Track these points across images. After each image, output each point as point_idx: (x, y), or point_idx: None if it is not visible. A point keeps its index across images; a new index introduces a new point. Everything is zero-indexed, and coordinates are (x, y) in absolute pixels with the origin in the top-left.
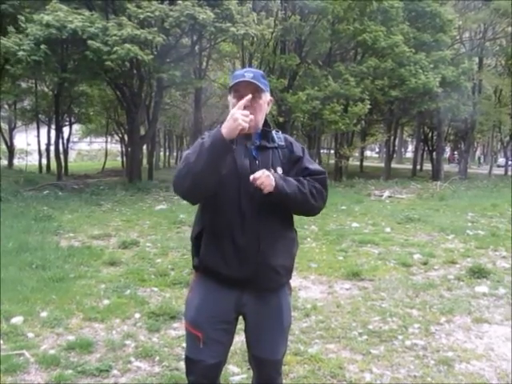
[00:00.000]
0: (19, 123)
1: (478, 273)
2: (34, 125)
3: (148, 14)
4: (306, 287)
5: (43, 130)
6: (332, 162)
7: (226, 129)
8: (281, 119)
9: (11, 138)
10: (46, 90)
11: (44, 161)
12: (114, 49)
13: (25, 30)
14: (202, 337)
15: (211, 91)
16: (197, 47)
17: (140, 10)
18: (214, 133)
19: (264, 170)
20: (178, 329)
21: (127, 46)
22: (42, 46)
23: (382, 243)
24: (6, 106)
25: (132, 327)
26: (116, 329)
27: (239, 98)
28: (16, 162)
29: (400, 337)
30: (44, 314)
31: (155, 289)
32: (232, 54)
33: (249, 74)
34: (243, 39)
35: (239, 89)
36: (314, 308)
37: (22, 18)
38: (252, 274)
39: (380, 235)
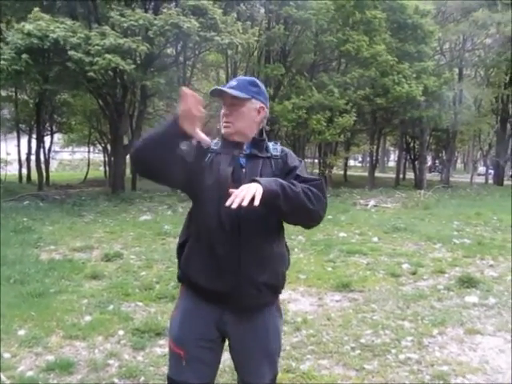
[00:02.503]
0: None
1: (467, 282)
2: (14, 134)
3: (132, 22)
4: (295, 300)
5: (24, 140)
6: (316, 171)
7: (180, 112)
8: (267, 128)
9: None
10: (26, 98)
11: (24, 170)
12: (95, 59)
13: (5, 38)
14: (184, 355)
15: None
16: (181, 56)
17: (123, 19)
18: (167, 119)
19: (245, 187)
20: (164, 346)
21: (108, 56)
22: (24, 56)
23: (370, 253)
24: None
25: (115, 345)
26: (98, 347)
27: (224, 106)
28: None
29: (393, 350)
30: (22, 333)
31: (140, 303)
32: (217, 64)
33: (233, 82)
34: (228, 48)
35: (221, 96)
36: (304, 321)
37: (3, 25)
38: (231, 288)
39: (368, 245)
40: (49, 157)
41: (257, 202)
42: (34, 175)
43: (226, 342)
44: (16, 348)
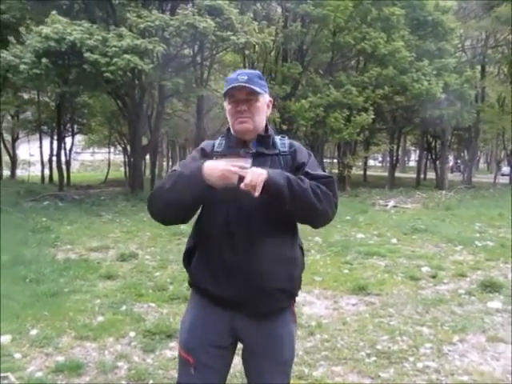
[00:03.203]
0: (22, 134)
1: (490, 287)
2: (37, 135)
3: (148, 23)
4: (310, 302)
5: (46, 141)
6: (335, 171)
7: (209, 173)
8: (284, 127)
9: (14, 148)
10: (48, 100)
11: (47, 171)
12: (114, 60)
13: (25, 41)
14: (193, 362)
15: (213, 101)
16: (198, 57)
17: (140, 20)
18: (194, 169)
19: (250, 170)
20: (174, 349)
21: (127, 56)
22: (43, 60)
23: (389, 255)
24: (8, 117)
25: (126, 347)
26: (109, 349)
27: (235, 103)
28: (19, 172)
29: (411, 358)
30: (34, 332)
31: (152, 304)
32: (234, 64)
33: (242, 76)
34: (244, 48)
35: (234, 93)
36: (318, 326)
37: (23, 28)
38: (243, 295)
39: (386, 247)
40: (70, 158)
41: (257, 193)
42: (56, 176)
43: (238, 345)
44: (27, 348)
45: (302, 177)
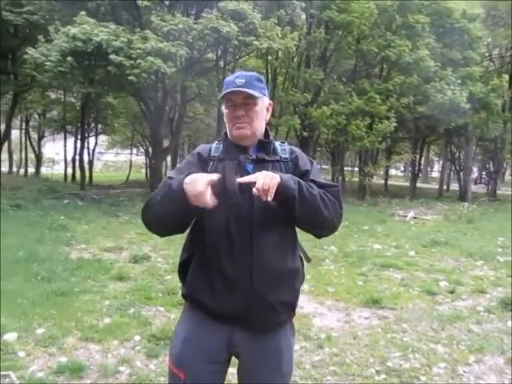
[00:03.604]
0: (47, 132)
1: (511, 305)
2: (62, 134)
3: (171, 26)
4: (321, 314)
5: (71, 140)
6: (356, 179)
7: (188, 190)
8: (305, 134)
9: (39, 146)
10: (73, 100)
11: (70, 170)
12: (138, 62)
13: (52, 40)
14: (183, 378)
15: None
16: (221, 61)
17: (164, 23)
18: (177, 182)
19: (261, 173)
20: None
21: (150, 58)
22: (69, 58)
23: (406, 268)
24: (35, 116)
25: (129, 351)
26: (112, 352)
27: (232, 107)
28: (44, 170)
29: (423, 378)
30: (40, 331)
31: (161, 308)
32: (257, 69)
33: (240, 79)
34: (267, 53)
35: (231, 97)
36: (328, 339)
37: (52, 28)
38: (243, 309)
39: (403, 259)
40: (93, 157)
41: (270, 198)
42: (79, 175)
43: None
44: (32, 347)
45: (311, 184)
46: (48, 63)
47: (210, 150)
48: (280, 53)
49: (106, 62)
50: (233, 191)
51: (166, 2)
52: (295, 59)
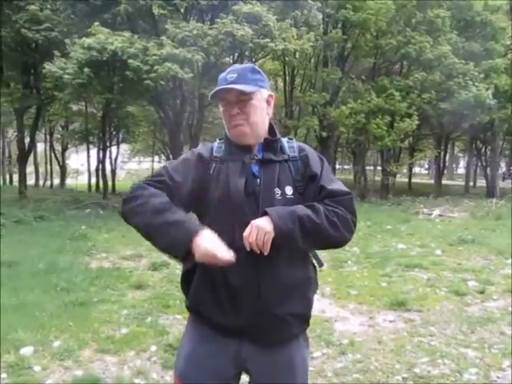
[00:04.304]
0: (71, 144)
1: None
2: (86, 145)
3: (186, 33)
4: (343, 318)
5: (95, 150)
6: (378, 178)
7: (197, 250)
8: (324, 134)
9: (63, 158)
10: (94, 111)
11: (94, 180)
12: (155, 67)
13: (69, 53)
14: None
15: None
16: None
17: (178, 30)
18: (185, 228)
19: (251, 223)
20: None
21: (167, 64)
22: (85, 69)
23: (432, 268)
24: (59, 128)
25: (146, 362)
26: (128, 363)
27: (227, 106)
28: (69, 181)
29: None
30: (56, 344)
31: (178, 316)
32: (275, 71)
33: (231, 75)
34: (283, 55)
35: (224, 96)
36: (351, 344)
37: (68, 41)
38: (252, 323)
39: (429, 258)
40: (115, 166)
41: (266, 252)
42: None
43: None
44: (47, 361)
45: (316, 205)
46: (66, 76)
47: (211, 150)
48: (297, 54)
49: (122, 68)
50: (237, 196)
51: (182, 10)
52: (312, 60)
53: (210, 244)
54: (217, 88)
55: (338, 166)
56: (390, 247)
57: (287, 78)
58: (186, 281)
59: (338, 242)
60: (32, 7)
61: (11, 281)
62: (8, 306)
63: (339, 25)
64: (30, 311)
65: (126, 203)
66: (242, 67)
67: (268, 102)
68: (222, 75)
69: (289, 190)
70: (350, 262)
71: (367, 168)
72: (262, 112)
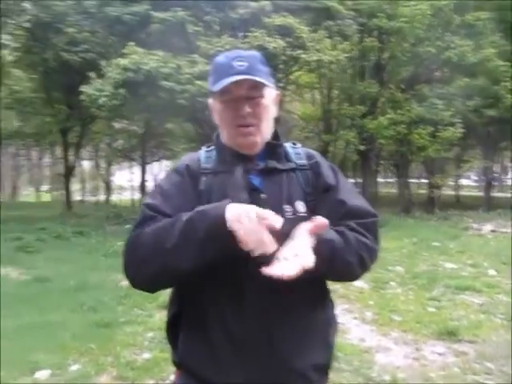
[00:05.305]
0: (114, 161)
1: None
2: (131, 162)
3: (218, 48)
4: (385, 348)
5: (139, 167)
6: (423, 192)
7: (238, 227)
8: (362, 147)
9: (108, 174)
10: (136, 129)
11: (138, 195)
12: (187, 87)
13: (105, 74)
14: None
15: (293, 123)
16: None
17: (210, 46)
18: (212, 218)
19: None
20: None
21: (198, 82)
22: (121, 90)
23: (486, 290)
24: (104, 146)
25: None
26: None
27: (232, 101)
28: (114, 197)
29: None
30: (74, 368)
31: None
32: (310, 84)
33: (241, 62)
34: (318, 67)
35: (230, 88)
36: (393, 380)
37: (104, 62)
38: (260, 381)
39: (482, 279)
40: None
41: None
42: None
43: None
44: None
45: (346, 234)
46: (102, 99)
47: (198, 161)
48: (333, 65)
49: (156, 89)
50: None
51: (215, 26)
52: (348, 71)
53: (246, 207)
54: (229, 78)
55: (381, 180)
56: (438, 266)
57: (324, 90)
58: (173, 328)
59: (356, 278)
60: (70, 29)
61: (39, 298)
62: (32, 324)
63: (375, 33)
64: (52, 331)
65: (130, 266)
66: (250, 55)
67: (275, 103)
68: (223, 61)
69: (301, 207)
70: (394, 282)
71: (411, 181)
72: (269, 115)
